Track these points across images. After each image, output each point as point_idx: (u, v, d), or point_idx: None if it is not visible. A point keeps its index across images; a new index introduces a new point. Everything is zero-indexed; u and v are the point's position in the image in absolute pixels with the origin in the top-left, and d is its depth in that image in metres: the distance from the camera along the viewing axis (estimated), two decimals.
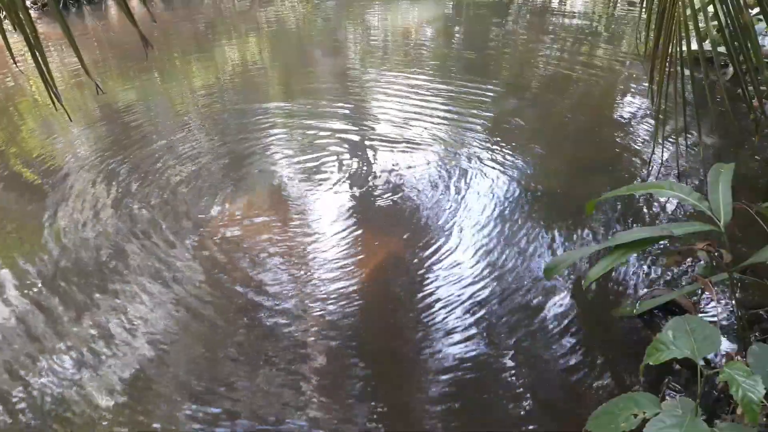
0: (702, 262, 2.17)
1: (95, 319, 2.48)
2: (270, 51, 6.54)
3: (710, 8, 2.68)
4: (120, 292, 2.63)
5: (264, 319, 2.46)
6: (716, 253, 1.91)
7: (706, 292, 1.97)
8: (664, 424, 1.12)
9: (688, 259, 2.42)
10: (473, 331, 2.33)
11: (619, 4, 7.39)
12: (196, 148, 3.99)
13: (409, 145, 3.89)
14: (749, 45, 2.54)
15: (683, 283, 2.45)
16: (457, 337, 2.31)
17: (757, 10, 3.84)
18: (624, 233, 1.90)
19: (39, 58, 1.25)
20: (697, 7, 2.72)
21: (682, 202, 1.99)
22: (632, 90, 4.73)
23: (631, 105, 4.39)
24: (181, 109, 4.80)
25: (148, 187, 3.51)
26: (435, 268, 2.71)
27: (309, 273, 2.72)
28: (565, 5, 7.66)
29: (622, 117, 4.26)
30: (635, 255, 2.64)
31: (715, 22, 2.83)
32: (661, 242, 2.63)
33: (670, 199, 2.94)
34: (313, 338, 2.35)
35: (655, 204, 3.05)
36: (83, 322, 2.47)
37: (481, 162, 3.60)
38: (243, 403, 2.08)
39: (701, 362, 1.25)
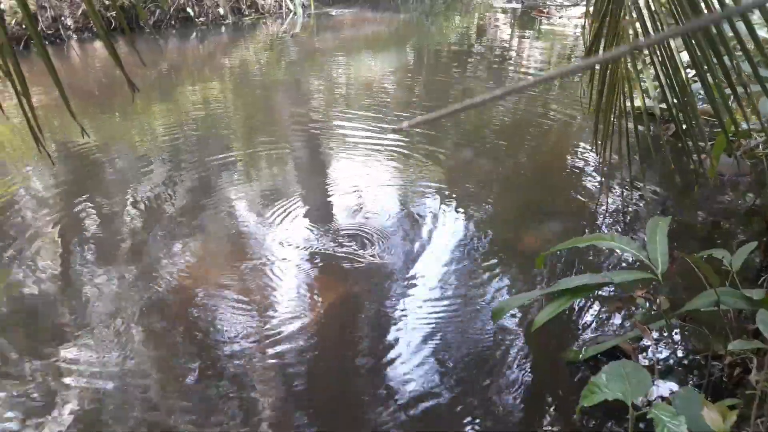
0: (641, 309, 2.27)
1: (44, 355, 2.45)
2: (232, 96, 6.61)
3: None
4: (70, 334, 2.61)
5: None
6: (654, 300, 2.02)
7: (645, 338, 2.06)
8: None
9: (634, 306, 2.52)
10: (423, 371, 2.38)
11: (573, 59, 7.75)
12: (153, 191, 3.99)
13: (361, 192, 3.98)
14: (687, 103, 2.72)
15: (627, 330, 2.55)
16: (408, 379, 2.35)
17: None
18: (567, 280, 1.99)
19: (26, 104, 1.29)
20: (639, 67, 2.92)
21: (623, 252, 2.09)
22: (584, 141, 4.95)
23: (583, 156, 4.58)
24: (140, 151, 4.81)
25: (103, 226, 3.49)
26: (385, 314, 2.76)
27: (264, 315, 2.73)
28: (522, 58, 7.98)
29: (574, 167, 4.44)
30: (583, 302, 2.75)
31: (656, 82, 3.03)
32: (609, 290, 2.74)
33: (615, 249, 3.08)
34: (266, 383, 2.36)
35: (601, 253, 3.18)
36: (33, 361, 2.44)
37: (434, 210, 3.70)
38: None
39: (638, 403, 1.32)
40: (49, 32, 8.42)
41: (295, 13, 10.37)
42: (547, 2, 10.89)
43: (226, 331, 2.64)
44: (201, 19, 9.71)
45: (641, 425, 1.81)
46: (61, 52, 8.36)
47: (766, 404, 1.77)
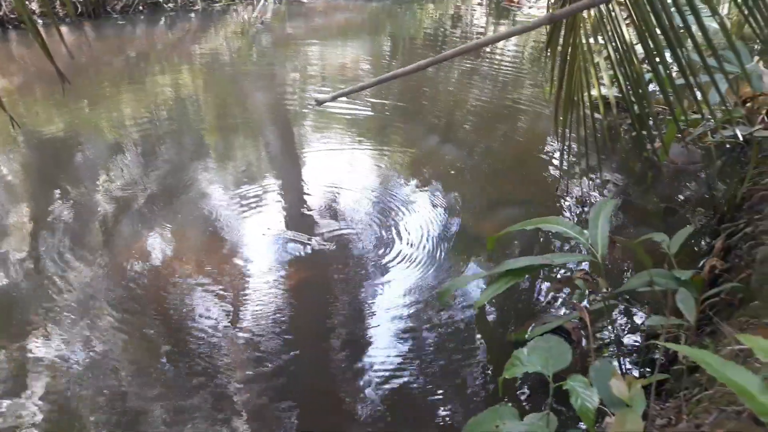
0: (579, 290, 2.36)
1: (12, 339, 2.48)
2: (202, 83, 6.59)
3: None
4: (39, 320, 2.63)
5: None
6: (593, 282, 2.11)
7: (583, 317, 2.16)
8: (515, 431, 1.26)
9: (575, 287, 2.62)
10: (376, 346, 2.48)
11: (543, 52, 7.84)
12: (124, 177, 4.00)
13: (332, 176, 4.03)
14: (641, 93, 2.82)
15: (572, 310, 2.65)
16: (365, 356, 2.44)
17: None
18: (511, 261, 2.07)
19: None
20: (596, 60, 3.00)
21: (566, 235, 2.18)
22: (551, 131, 5.04)
23: (550, 145, 4.67)
24: (109, 137, 4.79)
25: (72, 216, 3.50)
26: (349, 298, 2.84)
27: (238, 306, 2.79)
28: (497, 47, 8.05)
29: (539, 155, 4.54)
30: (529, 284, 2.86)
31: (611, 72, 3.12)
32: (558, 271, 2.85)
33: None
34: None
35: (550, 237, 3.29)
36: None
37: (402, 196, 3.77)
38: None
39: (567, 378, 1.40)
40: (12, 16, 8.26)
41: (266, 0, 10.30)
42: None
43: (199, 315, 2.68)
44: (170, 4, 9.60)
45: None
46: (26, 37, 8.22)
47: (690, 378, 1.88)
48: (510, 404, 1.57)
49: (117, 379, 2.33)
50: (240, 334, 2.56)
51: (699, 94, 2.65)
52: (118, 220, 3.49)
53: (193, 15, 9.64)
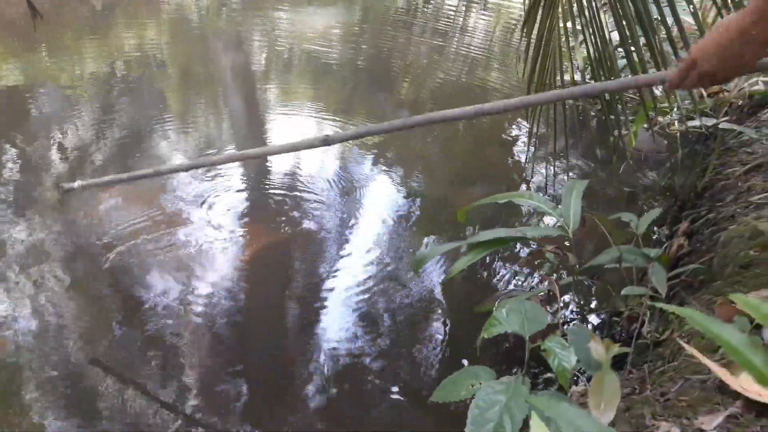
0: (548, 263, 2.41)
1: None
2: (167, 44, 6.40)
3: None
4: None
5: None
6: (563, 255, 2.15)
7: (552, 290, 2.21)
8: (492, 390, 1.28)
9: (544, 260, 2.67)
10: (350, 319, 2.47)
11: (516, 34, 7.87)
12: (80, 135, 3.87)
13: (299, 154, 3.98)
14: (612, 77, 2.86)
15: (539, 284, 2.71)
16: (334, 325, 2.44)
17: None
18: (484, 233, 2.09)
19: None
20: (571, 43, 3.02)
21: (538, 209, 2.21)
22: (522, 112, 5.08)
23: (519, 126, 4.71)
24: (67, 91, 4.61)
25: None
26: (319, 264, 2.82)
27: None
28: (467, 31, 8.05)
29: (509, 136, 4.58)
30: (503, 259, 2.90)
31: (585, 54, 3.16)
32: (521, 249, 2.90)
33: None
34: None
35: (519, 211, 3.34)
36: None
37: (372, 170, 3.76)
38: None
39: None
40: None
41: None
42: None
43: (152, 282, 2.62)
44: None
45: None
46: None
47: (654, 351, 1.95)
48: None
49: (59, 343, 2.26)
50: (192, 298, 2.52)
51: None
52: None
53: None
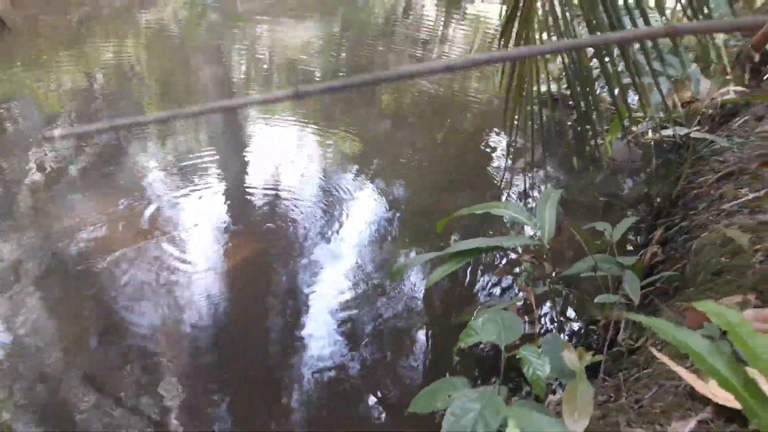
0: (525, 272, 2.43)
1: None
2: (147, 54, 6.37)
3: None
4: None
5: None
6: (539, 265, 2.18)
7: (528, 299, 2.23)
8: (467, 399, 1.29)
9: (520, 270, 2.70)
10: (331, 329, 2.48)
11: (494, 45, 7.95)
12: (58, 149, 3.83)
13: (276, 155, 3.99)
14: (588, 89, 2.90)
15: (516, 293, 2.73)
16: (315, 336, 2.44)
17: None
18: (461, 243, 2.10)
19: None
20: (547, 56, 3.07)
21: (515, 220, 2.23)
22: (499, 122, 5.13)
23: (499, 136, 4.76)
24: (42, 105, 4.57)
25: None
26: (302, 272, 2.82)
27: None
28: (447, 40, 8.12)
29: (488, 146, 4.62)
30: (481, 269, 2.92)
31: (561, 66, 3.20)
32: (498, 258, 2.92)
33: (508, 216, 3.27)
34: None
35: (499, 221, 3.37)
36: None
37: (354, 180, 3.77)
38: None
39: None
40: None
41: None
42: None
43: (133, 294, 2.60)
44: None
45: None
46: None
47: (629, 359, 1.97)
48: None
49: (42, 359, 2.23)
50: (175, 311, 2.51)
51: (642, 94, 2.77)
52: (46, 192, 3.34)
53: None
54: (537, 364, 1.34)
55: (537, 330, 2.24)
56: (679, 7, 2.52)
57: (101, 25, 7.26)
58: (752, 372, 0.87)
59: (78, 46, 6.20)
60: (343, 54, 7.00)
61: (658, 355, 1.26)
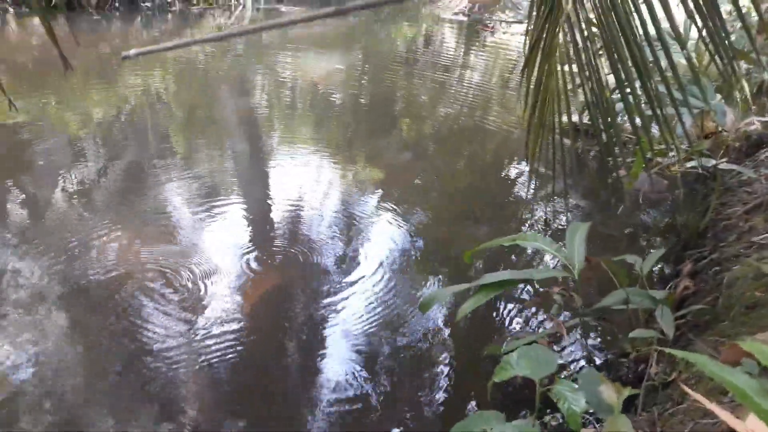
0: (556, 305, 2.43)
1: None
2: (174, 85, 6.52)
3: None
4: None
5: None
6: (570, 297, 2.17)
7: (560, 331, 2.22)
8: None
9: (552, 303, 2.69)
10: (357, 356, 2.47)
11: (514, 75, 8.02)
12: (84, 178, 3.93)
13: (296, 186, 4.04)
14: (610, 121, 2.92)
15: (546, 326, 2.72)
16: (338, 366, 2.43)
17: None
18: (491, 275, 2.11)
19: None
20: (569, 86, 3.10)
21: (544, 252, 2.24)
22: (520, 152, 5.15)
23: (521, 165, 4.78)
24: (73, 134, 4.69)
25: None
26: (327, 303, 2.83)
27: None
28: (465, 72, 8.20)
29: (509, 176, 4.64)
30: (506, 300, 2.91)
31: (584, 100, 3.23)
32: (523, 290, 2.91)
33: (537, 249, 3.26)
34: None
35: (526, 254, 3.36)
36: None
37: (376, 210, 3.80)
38: None
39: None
40: None
41: (244, 6, 10.30)
42: (492, 17, 11.23)
43: (153, 325, 2.61)
44: (147, 3, 9.52)
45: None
46: None
47: (663, 392, 1.95)
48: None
49: (60, 387, 2.25)
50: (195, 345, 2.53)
51: (665, 126, 2.77)
52: (74, 219, 3.42)
53: (170, 16, 9.56)
54: (572, 399, 1.34)
55: (567, 361, 2.22)
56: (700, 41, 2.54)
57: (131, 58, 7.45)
58: None
59: (107, 77, 6.37)
60: (364, 87, 7.10)
61: (690, 392, 1.25)
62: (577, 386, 1.40)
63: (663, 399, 1.87)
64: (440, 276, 3.14)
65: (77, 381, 2.27)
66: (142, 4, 9.43)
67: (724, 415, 1.34)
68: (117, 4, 9.22)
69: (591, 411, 1.49)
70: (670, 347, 2.07)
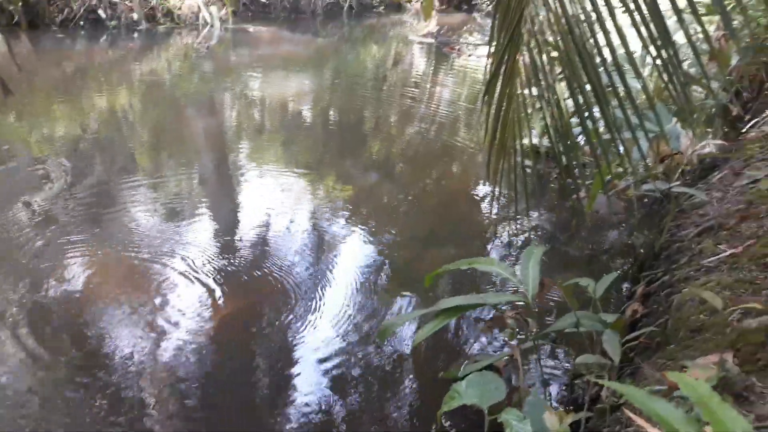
0: (508, 330, 2.46)
1: None
2: (140, 105, 6.47)
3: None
4: None
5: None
6: (523, 321, 2.21)
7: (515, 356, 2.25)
8: None
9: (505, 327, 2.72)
10: (317, 385, 2.47)
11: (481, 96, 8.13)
12: (47, 204, 3.87)
13: (268, 212, 4.03)
14: (569, 144, 2.99)
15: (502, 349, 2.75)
16: (301, 391, 2.44)
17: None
18: (447, 300, 2.14)
19: None
20: (529, 110, 3.17)
21: (499, 276, 2.28)
22: (483, 176, 5.23)
23: (483, 187, 4.84)
24: (36, 153, 4.62)
25: None
26: (285, 328, 2.83)
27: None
28: (436, 87, 8.29)
29: (473, 197, 4.70)
30: (465, 322, 2.95)
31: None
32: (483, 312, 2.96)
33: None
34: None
35: (484, 277, 3.40)
36: None
37: (339, 231, 3.81)
38: None
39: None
40: None
41: (211, 26, 10.29)
42: (460, 40, 11.42)
43: (118, 343, 2.59)
44: (113, 22, 9.44)
45: None
46: None
47: (612, 416, 1.99)
48: None
49: (23, 409, 2.22)
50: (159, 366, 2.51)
51: (622, 149, 2.85)
52: (36, 239, 3.37)
53: (135, 35, 9.50)
54: (518, 428, 1.37)
55: (521, 385, 2.25)
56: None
57: (95, 75, 7.38)
58: None
59: (72, 96, 6.29)
60: (333, 106, 7.13)
61: (633, 417, 1.29)
62: (523, 414, 1.43)
63: (612, 422, 1.90)
64: (405, 297, 3.16)
65: (30, 399, 2.23)
66: (107, 23, 9.35)
67: None
68: (82, 23, 9.13)
69: None
70: (618, 371, 2.12)
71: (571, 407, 2.33)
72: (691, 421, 0.93)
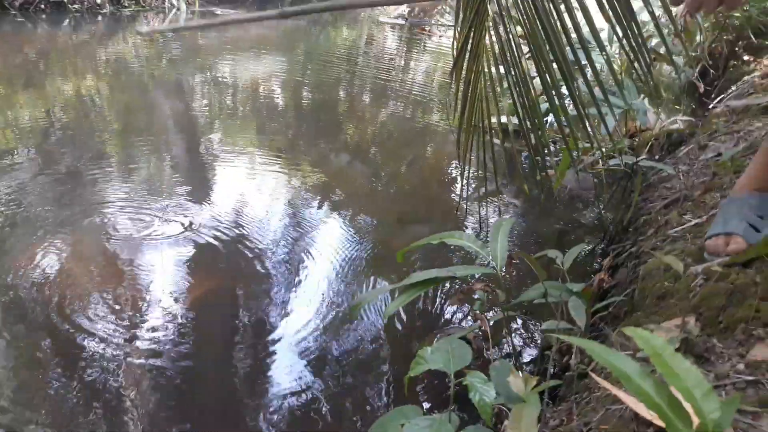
0: (479, 301, 2.48)
1: None
2: (108, 90, 6.34)
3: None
4: None
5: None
6: (492, 293, 2.23)
7: (483, 327, 2.27)
8: (418, 427, 1.32)
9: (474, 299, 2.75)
10: (293, 363, 2.48)
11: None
12: (13, 187, 3.78)
13: (241, 197, 4.00)
14: (537, 122, 3.01)
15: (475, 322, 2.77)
16: (278, 370, 2.44)
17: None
18: (417, 274, 2.14)
19: None
20: (497, 88, 3.18)
21: (468, 249, 2.29)
22: (454, 155, 5.24)
23: (456, 165, 4.86)
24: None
25: None
26: (263, 308, 2.82)
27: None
28: (407, 76, 8.27)
29: (449, 176, 4.71)
30: (440, 297, 2.97)
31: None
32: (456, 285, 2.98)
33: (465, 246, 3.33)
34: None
35: (456, 250, 3.43)
36: None
37: (316, 212, 3.80)
38: None
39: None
40: None
41: (178, 9, 10.10)
42: (431, 21, 11.38)
43: (92, 331, 2.56)
44: (75, 5, 9.20)
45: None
46: None
47: (580, 383, 2.02)
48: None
49: None
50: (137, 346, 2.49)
51: (589, 126, 2.87)
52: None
53: (100, 18, 9.28)
54: (483, 390, 1.38)
55: (492, 357, 2.28)
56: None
57: (59, 61, 7.21)
58: (675, 392, 0.91)
59: (35, 83, 6.14)
60: (305, 89, 7.08)
61: (597, 379, 1.31)
62: (488, 378, 1.44)
63: (581, 388, 1.93)
64: (383, 276, 3.17)
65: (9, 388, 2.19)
66: (70, 6, 9.11)
67: (628, 400, 1.41)
68: (43, 6, 8.89)
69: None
70: (585, 337, 2.15)
71: (542, 377, 2.36)
72: (647, 374, 0.95)
